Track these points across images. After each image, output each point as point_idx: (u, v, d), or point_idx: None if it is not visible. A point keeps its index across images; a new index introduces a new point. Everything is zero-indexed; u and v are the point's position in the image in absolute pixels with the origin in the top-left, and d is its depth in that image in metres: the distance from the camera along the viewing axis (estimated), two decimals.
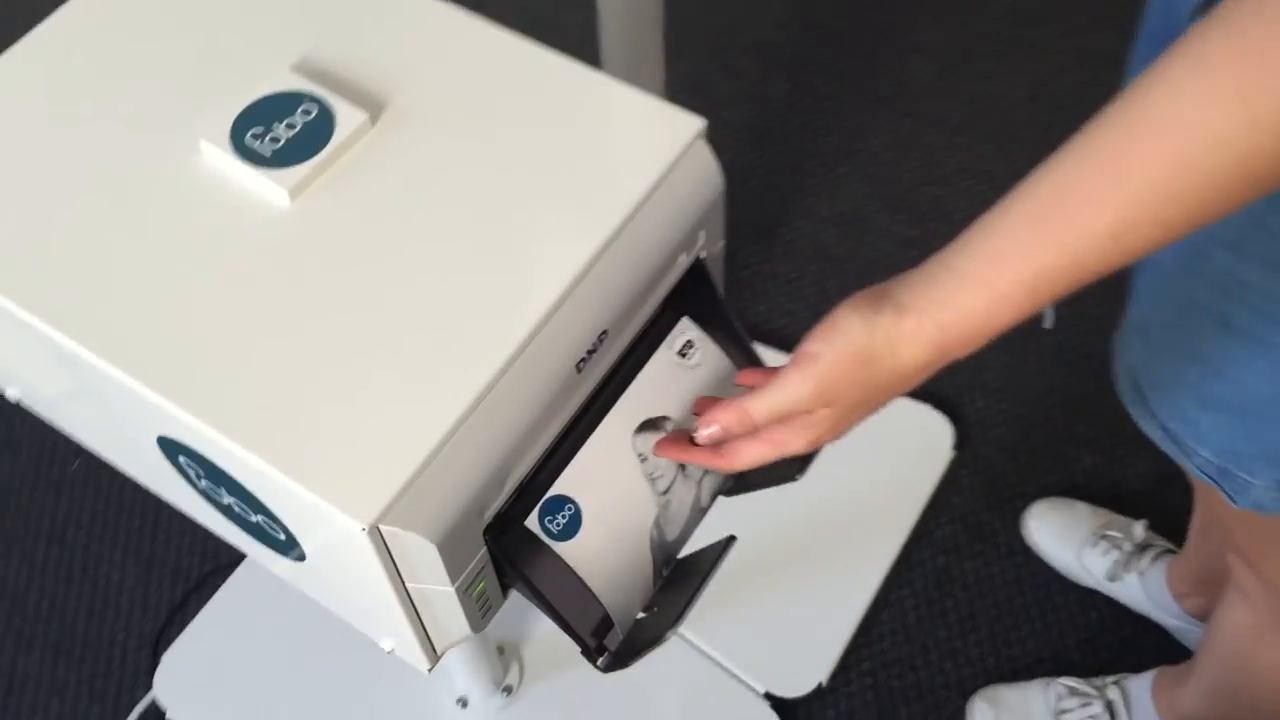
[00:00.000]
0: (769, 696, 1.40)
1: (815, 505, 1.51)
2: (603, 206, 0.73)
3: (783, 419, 0.64)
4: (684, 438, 0.72)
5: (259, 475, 0.67)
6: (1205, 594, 1.32)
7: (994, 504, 1.55)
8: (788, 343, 1.67)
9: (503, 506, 0.71)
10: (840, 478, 1.31)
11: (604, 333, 0.72)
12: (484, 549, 0.71)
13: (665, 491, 0.76)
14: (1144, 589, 1.41)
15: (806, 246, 1.78)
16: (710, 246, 0.80)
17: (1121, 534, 1.43)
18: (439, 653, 0.78)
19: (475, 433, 0.66)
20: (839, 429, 0.64)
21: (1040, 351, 1.66)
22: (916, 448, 1.59)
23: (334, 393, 0.67)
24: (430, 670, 0.79)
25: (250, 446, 0.66)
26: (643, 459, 0.75)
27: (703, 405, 0.76)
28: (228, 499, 0.76)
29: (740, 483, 0.81)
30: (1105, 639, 1.45)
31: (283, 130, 0.77)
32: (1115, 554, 1.42)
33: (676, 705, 1.42)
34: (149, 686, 1.45)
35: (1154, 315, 0.82)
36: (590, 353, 0.72)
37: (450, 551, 0.67)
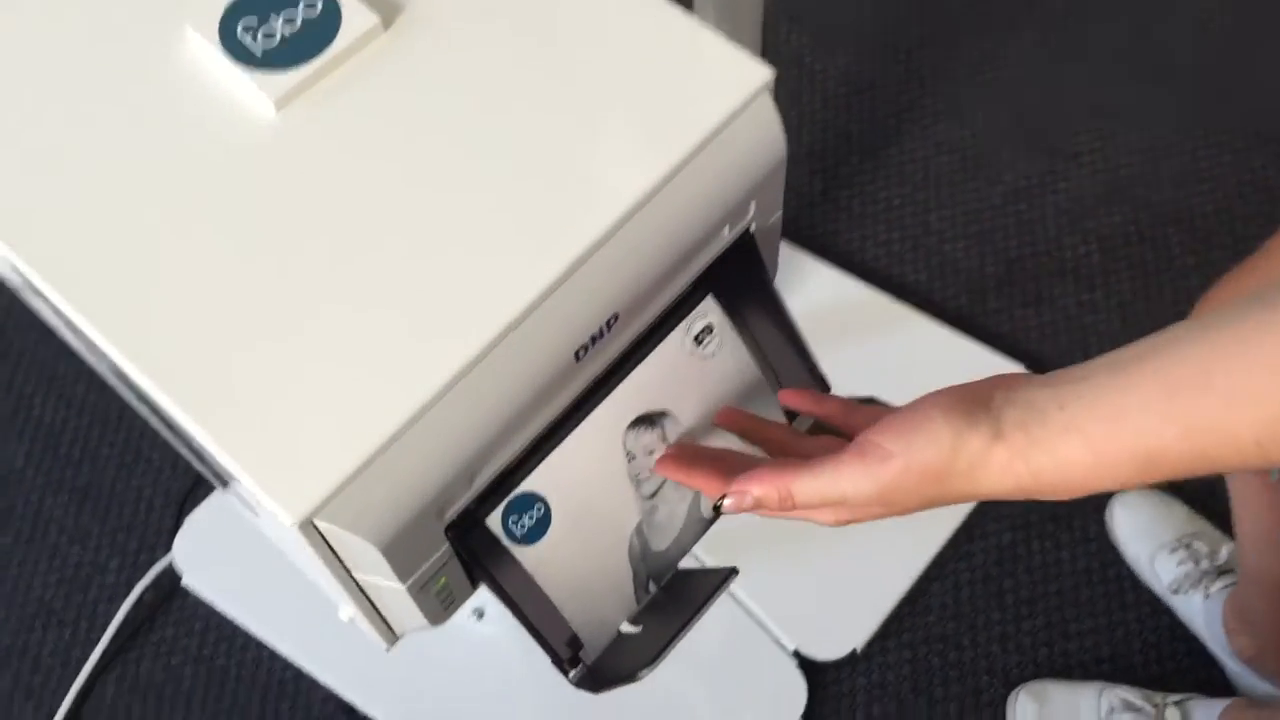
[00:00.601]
0: (798, 655, 1.32)
1: None
2: (635, 162, 0.61)
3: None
4: (688, 454, 0.61)
5: (201, 440, 0.58)
6: (1249, 634, 1.20)
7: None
8: (876, 275, 1.53)
9: (471, 502, 0.62)
10: None
11: (614, 317, 0.61)
12: (446, 545, 0.62)
13: (652, 496, 0.66)
14: (1204, 611, 1.28)
15: (915, 172, 1.62)
16: (762, 219, 0.68)
17: (1206, 548, 1.30)
18: (398, 636, 0.70)
19: (442, 423, 0.56)
20: (878, 519, 0.54)
21: (1154, 320, 1.48)
22: None
23: (290, 359, 0.58)
24: (389, 650, 0.71)
25: (190, 411, 0.57)
26: (630, 457, 0.65)
27: (730, 419, 0.65)
28: (184, 444, 0.68)
29: None
30: (1174, 649, 1.33)
31: (280, 26, 0.66)
32: (1189, 566, 1.30)
33: (696, 649, 1.34)
34: (169, 548, 1.42)
35: None
36: (594, 339, 0.61)
37: (399, 553, 0.58)
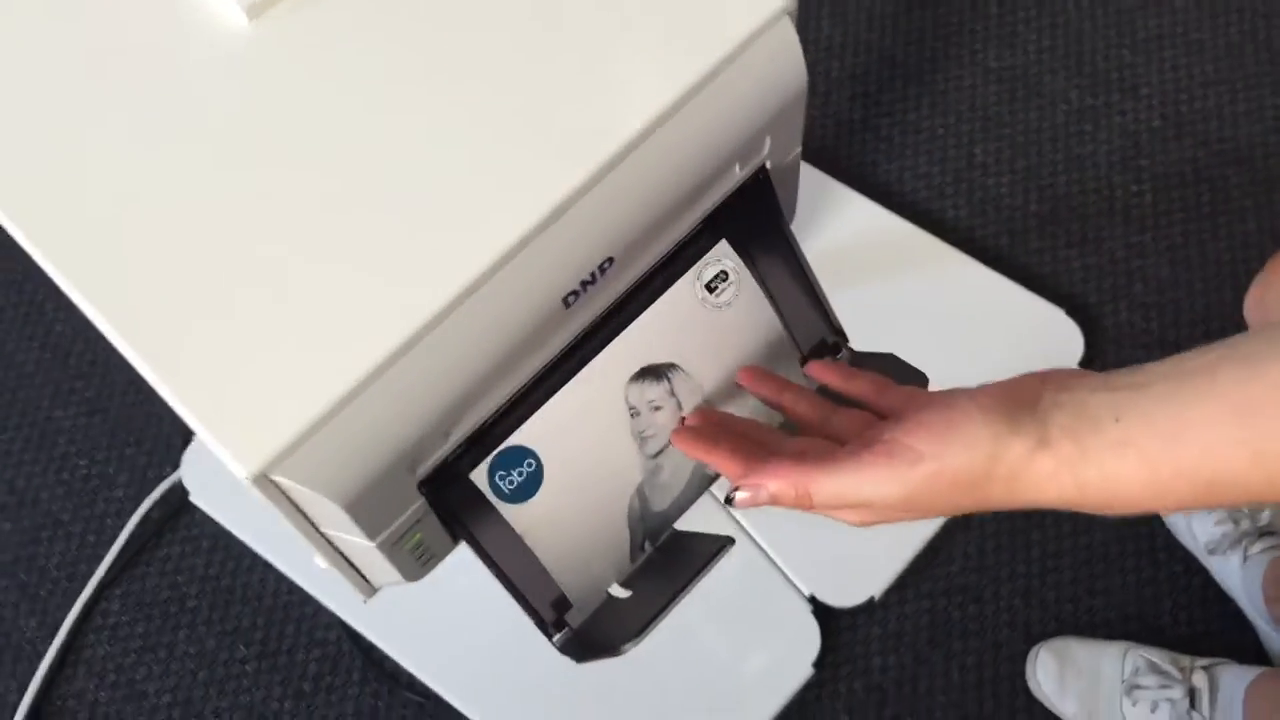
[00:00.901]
0: (813, 601, 1.28)
1: None
2: (635, 91, 0.55)
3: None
4: (710, 427, 0.56)
5: (152, 381, 0.54)
6: None
7: None
8: (915, 209, 1.46)
9: (449, 455, 0.57)
10: (939, 375, 1.14)
11: (608, 260, 0.56)
12: (421, 500, 0.58)
13: (657, 455, 0.61)
14: (1242, 574, 1.23)
15: (961, 101, 1.54)
16: (778, 156, 0.62)
17: (1247, 507, 1.24)
18: (376, 589, 0.66)
19: (413, 373, 0.52)
20: (904, 521, 0.49)
21: (1206, 267, 1.43)
22: (1035, 354, 1.40)
23: (254, 300, 0.53)
24: (366, 601, 0.67)
25: (141, 350, 0.52)
26: (634, 413, 0.60)
27: (754, 382, 0.60)
28: None
29: None
30: (1205, 612, 1.28)
31: None
32: (1228, 526, 1.23)
33: (711, 590, 1.31)
34: (177, 465, 1.40)
35: None
36: (585, 285, 0.55)
37: (366, 509, 0.54)
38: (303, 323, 0.52)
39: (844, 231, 1.44)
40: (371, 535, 0.56)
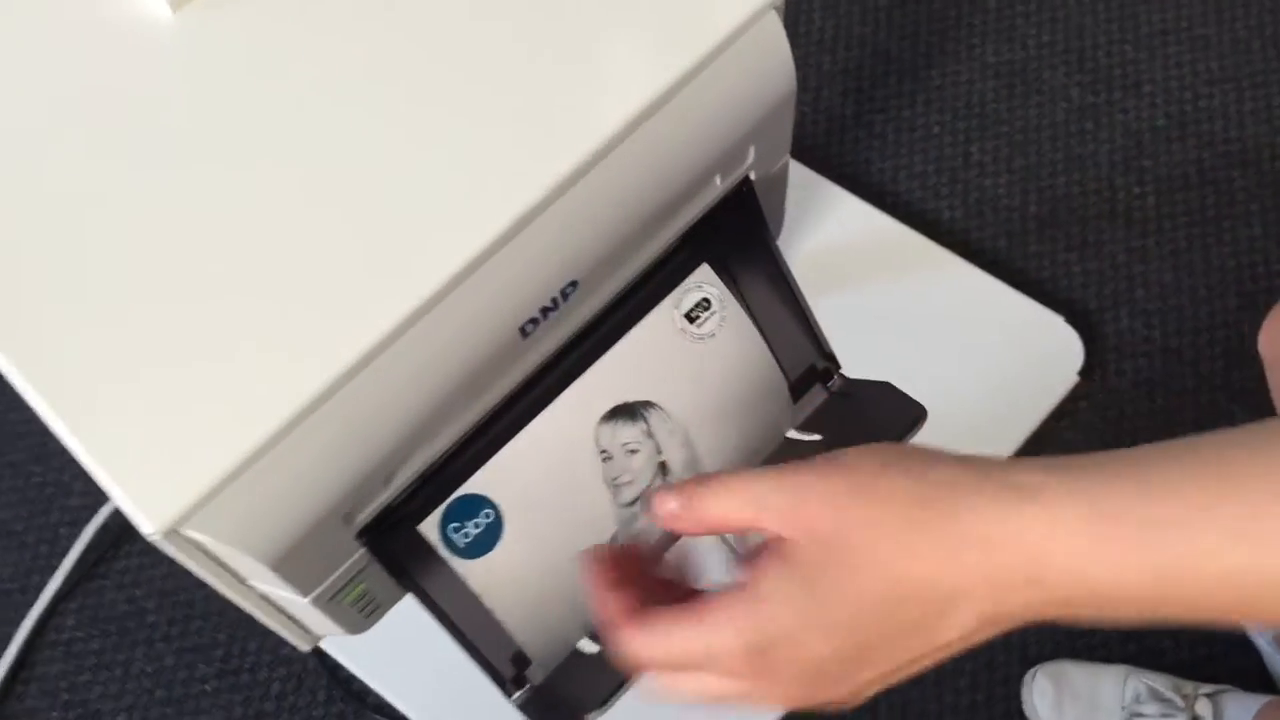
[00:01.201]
0: None
1: None
2: (603, 94, 0.49)
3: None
4: (612, 560, 0.43)
5: (53, 426, 0.47)
6: None
7: (1111, 447, 1.30)
8: (909, 210, 1.41)
9: (393, 500, 0.51)
10: (932, 385, 1.08)
11: (572, 285, 0.50)
12: (362, 550, 0.52)
13: (632, 503, 0.55)
14: None
15: (957, 97, 1.48)
16: (763, 167, 0.56)
17: None
18: (319, 637, 0.60)
19: (345, 415, 0.46)
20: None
21: (1210, 273, 1.37)
22: (1033, 364, 1.34)
23: (168, 333, 0.47)
24: (307, 650, 0.61)
25: (44, 393, 0.46)
26: (606, 457, 0.54)
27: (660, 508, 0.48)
28: None
29: None
30: (1208, 635, 1.22)
31: None
32: None
33: None
34: None
35: None
36: (546, 312, 0.49)
37: (295, 564, 0.48)
38: (223, 360, 0.46)
39: (834, 233, 1.39)
40: (304, 591, 0.50)
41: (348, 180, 0.48)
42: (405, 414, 0.46)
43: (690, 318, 0.55)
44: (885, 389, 0.58)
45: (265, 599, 0.53)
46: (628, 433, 0.54)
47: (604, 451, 0.54)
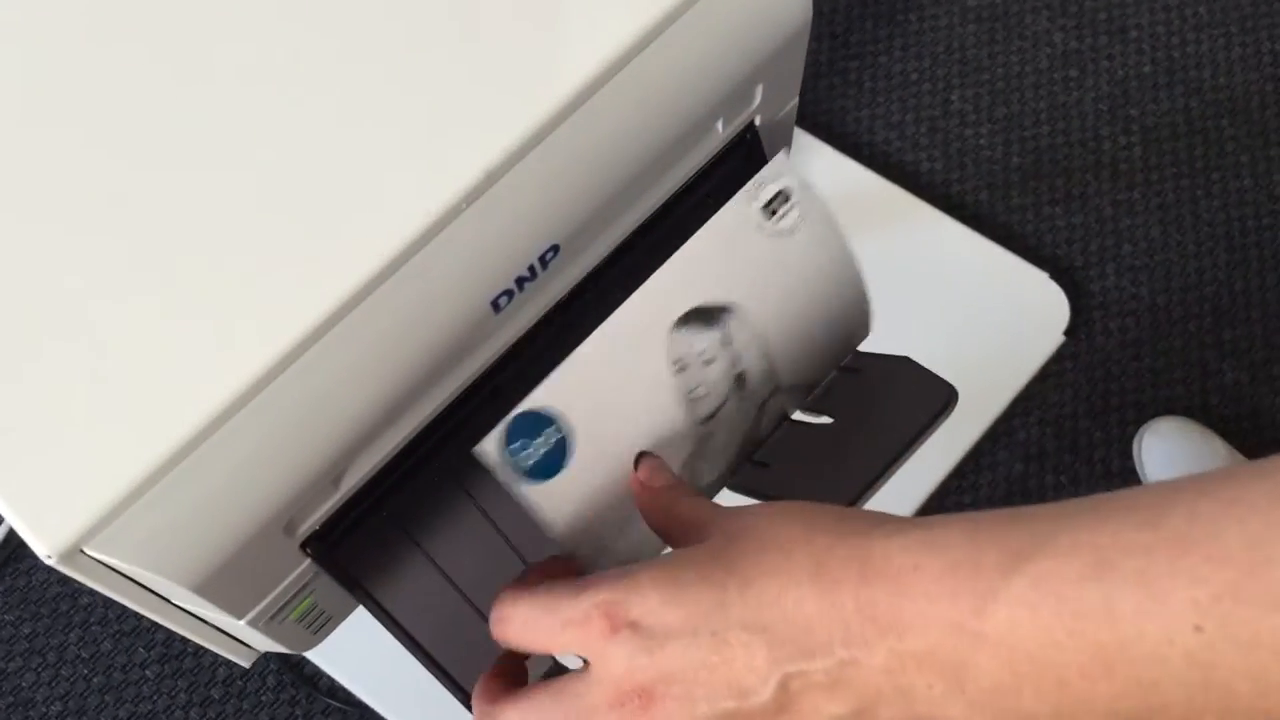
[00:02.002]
0: None
1: None
2: (584, 28, 0.41)
3: None
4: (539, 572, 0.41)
5: None
6: None
7: (1098, 409, 1.25)
8: (886, 161, 1.34)
9: (340, 505, 0.43)
10: (911, 347, 1.02)
11: (551, 250, 0.42)
12: (308, 561, 0.44)
13: (709, 418, 0.48)
14: None
15: (936, 43, 1.41)
16: (770, 110, 0.48)
17: None
18: (260, 652, 0.52)
19: (276, 414, 0.38)
20: None
21: (1199, 227, 1.32)
22: (1017, 324, 1.29)
23: (65, 332, 0.38)
24: (248, 666, 0.53)
25: None
26: (680, 368, 0.46)
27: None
28: None
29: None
30: None
31: None
32: None
33: None
34: None
35: None
36: (523, 281, 0.42)
37: (223, 585, 0.40)
38: (131, 348, 0.38)
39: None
40: (238, 613, 0.42)
41: (278, 142, 0.40)
42: (354, 406, 0.39)
43: (770, 210, 0.47)
44: (905, 365, 0.52)
45: (196, 618, 0.46)
46: (704, 340, 0.47)
47: (678, 361, 0.46)
